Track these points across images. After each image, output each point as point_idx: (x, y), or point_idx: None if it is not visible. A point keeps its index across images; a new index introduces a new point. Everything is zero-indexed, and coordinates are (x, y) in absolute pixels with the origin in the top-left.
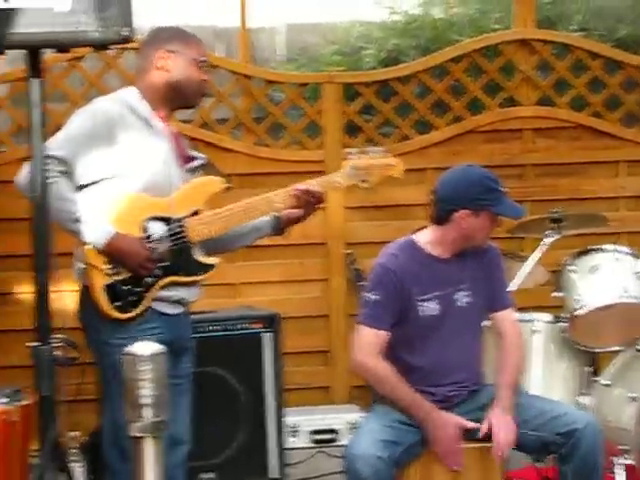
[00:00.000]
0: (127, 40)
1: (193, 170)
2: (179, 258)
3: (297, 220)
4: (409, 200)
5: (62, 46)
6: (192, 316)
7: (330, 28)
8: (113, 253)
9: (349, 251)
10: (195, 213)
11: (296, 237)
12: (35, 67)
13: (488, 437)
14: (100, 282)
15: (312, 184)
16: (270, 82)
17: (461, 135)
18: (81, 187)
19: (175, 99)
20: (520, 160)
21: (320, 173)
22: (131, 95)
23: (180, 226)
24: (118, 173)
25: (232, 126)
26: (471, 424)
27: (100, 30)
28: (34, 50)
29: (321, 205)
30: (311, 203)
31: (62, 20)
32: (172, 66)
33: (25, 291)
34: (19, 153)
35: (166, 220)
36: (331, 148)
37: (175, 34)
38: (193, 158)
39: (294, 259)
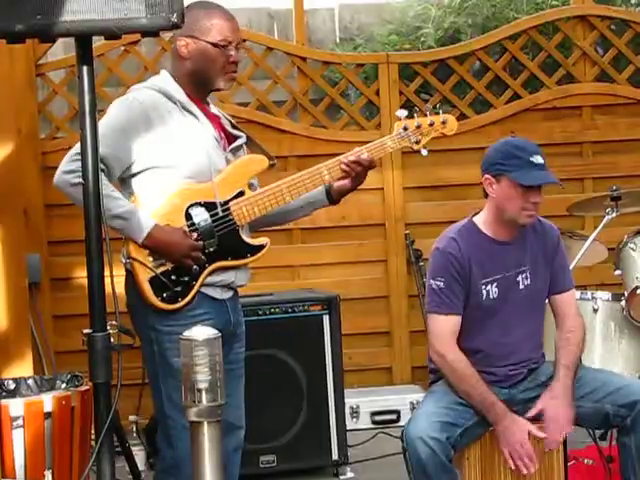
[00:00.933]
0: (176, 26)
1: (236, 149)
2: (226, 243)
3: (349, 190)
4: (468, 179)
5: (111, 33)
6: (252, 299)
7: (385, 8)
8: (154, 246)
9: (407, 232)
10: (241, 194)
11: (355, 218)
12: (85, 54)
13: None
14: (144, 276)
15: (361, 152)
16: (326, 63)
17: (519, 113)
18: (122, 180)
19: (200, 86)
20: (579, 137)
21: None
22: (165, 81)
23: (225, 210)
24: (159, 163)
25: (289, 108)
26: (541, 434)
27: (149, 17)
28: (83, 37)
29: (374, 167)
30: (361, 172)
31: (111, 7)
32: (188, 53)
33: (83, 276)
34: (75, 139)
35: (211, 205)
36: (389, 128)
37: (194, 17)
38: (235, 137)
39: (353, 240)
